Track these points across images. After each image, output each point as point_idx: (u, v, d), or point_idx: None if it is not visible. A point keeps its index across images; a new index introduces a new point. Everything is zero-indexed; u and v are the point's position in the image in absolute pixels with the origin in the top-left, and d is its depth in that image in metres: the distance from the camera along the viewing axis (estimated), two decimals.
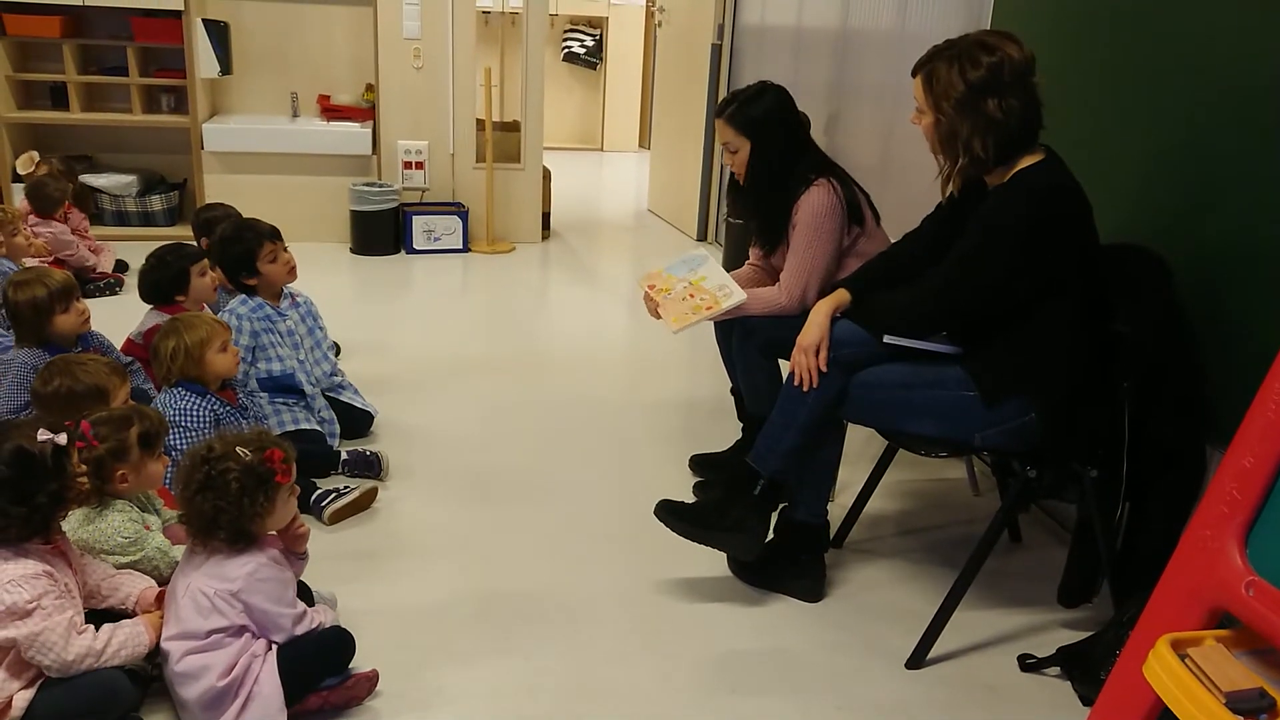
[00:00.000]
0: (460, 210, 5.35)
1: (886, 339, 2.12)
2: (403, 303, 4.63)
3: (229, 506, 1.75)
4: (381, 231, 5.21)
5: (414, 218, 5.26)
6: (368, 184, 5.20)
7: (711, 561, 2.41)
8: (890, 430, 2.27)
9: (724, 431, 3.12)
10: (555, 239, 5.86)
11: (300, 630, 1.82)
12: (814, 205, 2.53)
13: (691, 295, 2.63)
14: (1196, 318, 2.10)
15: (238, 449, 1.80)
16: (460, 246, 5.35)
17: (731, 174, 2.74)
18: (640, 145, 9.38)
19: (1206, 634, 1.46)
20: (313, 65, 5.47)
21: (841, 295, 2.21)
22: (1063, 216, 1.94)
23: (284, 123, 5.37)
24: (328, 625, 1.88)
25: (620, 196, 7.50)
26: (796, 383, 2.16)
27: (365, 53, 5.38)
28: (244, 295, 2.93)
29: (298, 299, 3.06)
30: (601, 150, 9.23)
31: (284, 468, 1.82)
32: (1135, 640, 1.58)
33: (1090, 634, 2.13)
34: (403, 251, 5.29)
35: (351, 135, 5.26)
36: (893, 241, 2.61)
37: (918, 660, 2.12)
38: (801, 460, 2.23)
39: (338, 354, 3.72)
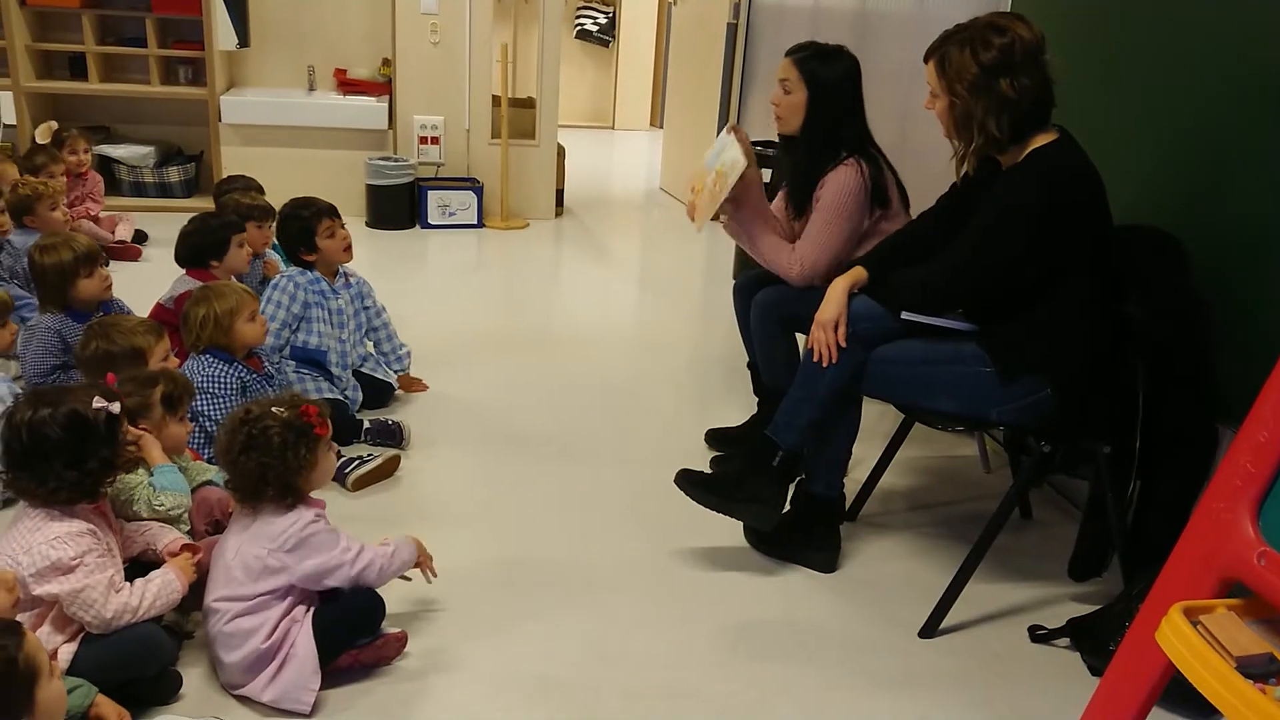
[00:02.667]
0: (475, 186, 5.38)
1: (904, 315, 2.16)
2: (419, 277, 4.67)
3: (274, 461, 1.80)
4: (397, 206, 5.25)
5: (429, 193, 5.29)
6: (383, 158, 5.23)
7: (728, 532, 2.46)
8: (907, 405, 2.31)
9: (739, 404, 3.16)
10: (568, 216, 5.89)
11: (358, 568, 1.84)
12: (839, 184, 2.56)
13: (715, 184, 2.67)
14: (1208, 298, 2.13)
15: (273, 409, 1.85)
16: (475, 222, 5.38)
17: (776, 128, 2.74)
18: (652, 124, 9.39)
19: (1218, 602, 1.50)
20: (329, 39, 5.49)
21: (859, 272, 2.24)
22: (1076, 196, 1.98)
23: (301, 96, 5.40)
24: (394, 550, 1.91)
25: (632, 175, 7.52)
26: (815, 358, 2.20)
27: (382, 27, 5.40)
28: (302, 268, 2.96)
29: (351, 280, 3.09)
30: (613, 128, 9.24)
31: (320, 420, 1.88)
32: (1148, 608, 1.62)
33: (1099, 607, 2.18)
34: (417, 226, 5.33)
35: (368, 109, 5.28)
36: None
37: (930, 630, 2.17)
38: (819, 434, 2.27)
39: None
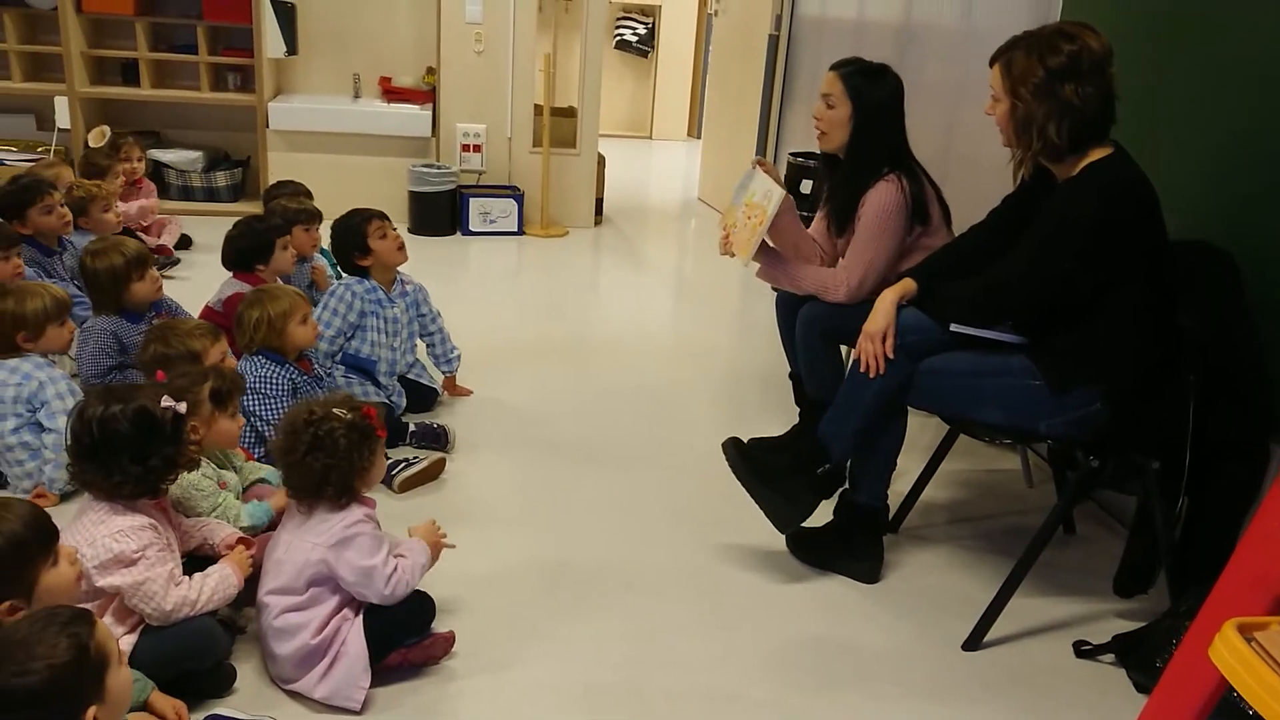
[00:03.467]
0: (516, 194, 5.43)
1: (953, 327, 2.16)
2: (460, 283, 4.71)
3: (339, 462, 1.83)
4: (439, 213, 5.30)
5: (470, 200, 5.34)
6: (426, 165, 5.29)
7: (767, 538, 2.46)
8: (955, 417, 2.31)
9: (777, 414, 3.18)
10: (607, 224, 5.92)
11: (388, 588, 1.86)
12: (881, 201, 2.56)
13: (749, 217, 2.69)
14: (1260, 313, 2.12)
15: (335, 410, 1.88)
16: (515, 229, 5.43)
17: (818, 144, 2.75)
18: (689, 134, 9.42)
19: (1272, 619, 1.49)
20: (375, 47, 5.57)
21: (907, 284, 2.25)
22: (1134, 210, 1.97)
23: (346, 103, 5.48)
24: (415, 572, 1.93)
25: (669, 185, 7.55)
26: (863, 369, 2.21)
27: (426, 36, 5.47)
28: (359, 276, 3.01)
29: (408, 287, 3.14)
30: (650, 138, 9.28)
31: (380, 423, 1.92)
32: (1200, 625, 1.61)
33: (1145, 623, 2.17)
34: (458, 233, 5.38)
35: (412, 117, 5.35)
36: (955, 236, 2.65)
37: (974, 643, 2.17)
38: (864, 444, 2.28)
39: None
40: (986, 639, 2.18)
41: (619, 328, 4.21)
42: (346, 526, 1.86)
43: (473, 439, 2.99)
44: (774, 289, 2.91)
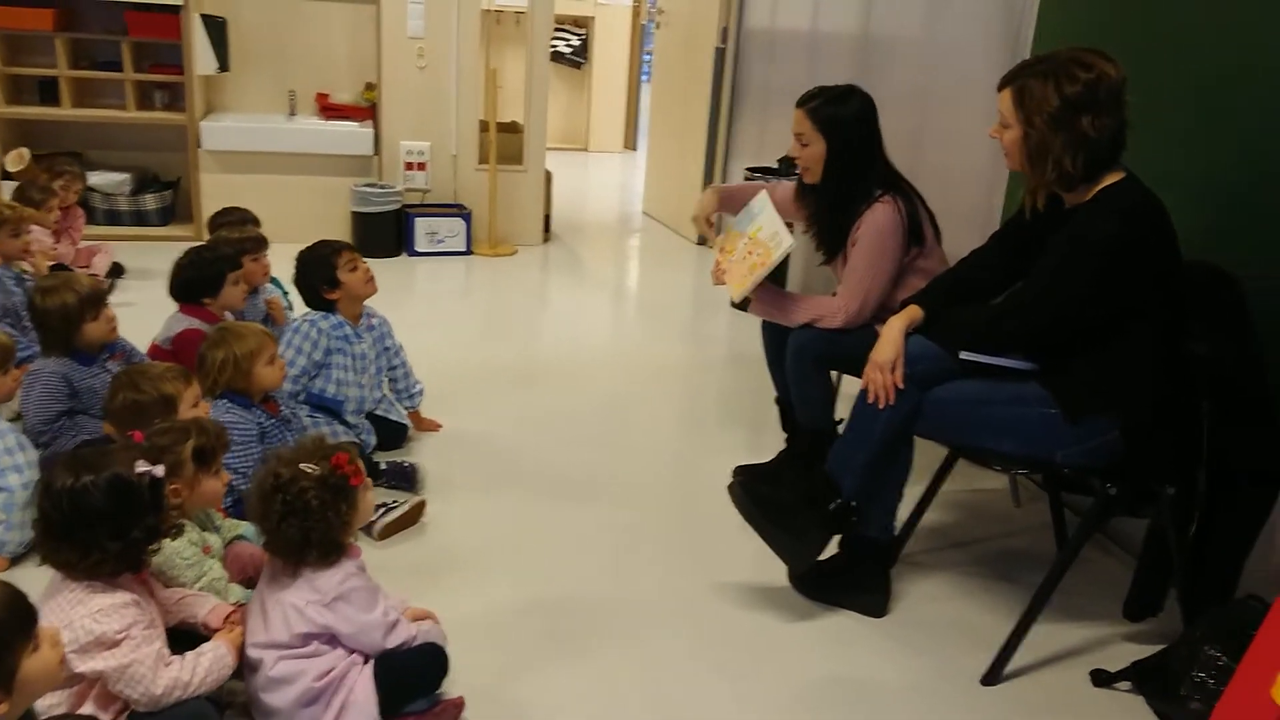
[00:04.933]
0: (463, 212, 5.29)
1: (963, 355, 2.11)
2: (409, 306, 4.55)
3: (317, 524, 1.71)
4: (384, 233, 5.13)
5: (416, 220, 5.18)
6: (369, 185, 5.12)
7: (764, 570, 2.40)
8: (966, 446, 2.26)
9: (749, 432, 3.13)
10: (555, 241, 5.81)
11: (391, 643, 1.77)
12: (877, 223, 2.51)
13: (750, 252, 2.60)
14: (1269, 336, 2.11)
15: (302, 466, 1.75)
16: (463, 249, 5.28)
17: (798, 175, 2.70)
18: (625, 146, 9.35)
19: None
20: (311, 63, 5.37)
21: (914, 311, 2.20)
22: (1151, 234, 1.95)
23: (282, 121, 5.28)
24: (419, 640, 1.83)
25: (610, 198, 7.47)
26: (871, 399, 2.15)
27: (365, 51, 5.30)
28: (325, 312, 2.85)
29: (373, 321, 2.99)
30: (587, 150, 9.18)
31: (354, 469, 1.79)
32: (1252, 662, 1.58)
33: (1161, 648, 2.14)
34: (405, 254, 5.21)
35: (352, 135, 5.17)
36: (948, 257, 2.62)
37: (994, 677, 2.12)
38: (873, 476, 2.22)
39: None
40: (1003, 671, 2.14)
41: (577, 348, 4.11)
42: (340, 584, 1.74)
43: (448, 476, 2.86)
44: (731, 304, 2.86)
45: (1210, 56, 2.37)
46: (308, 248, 2.87)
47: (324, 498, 1.73)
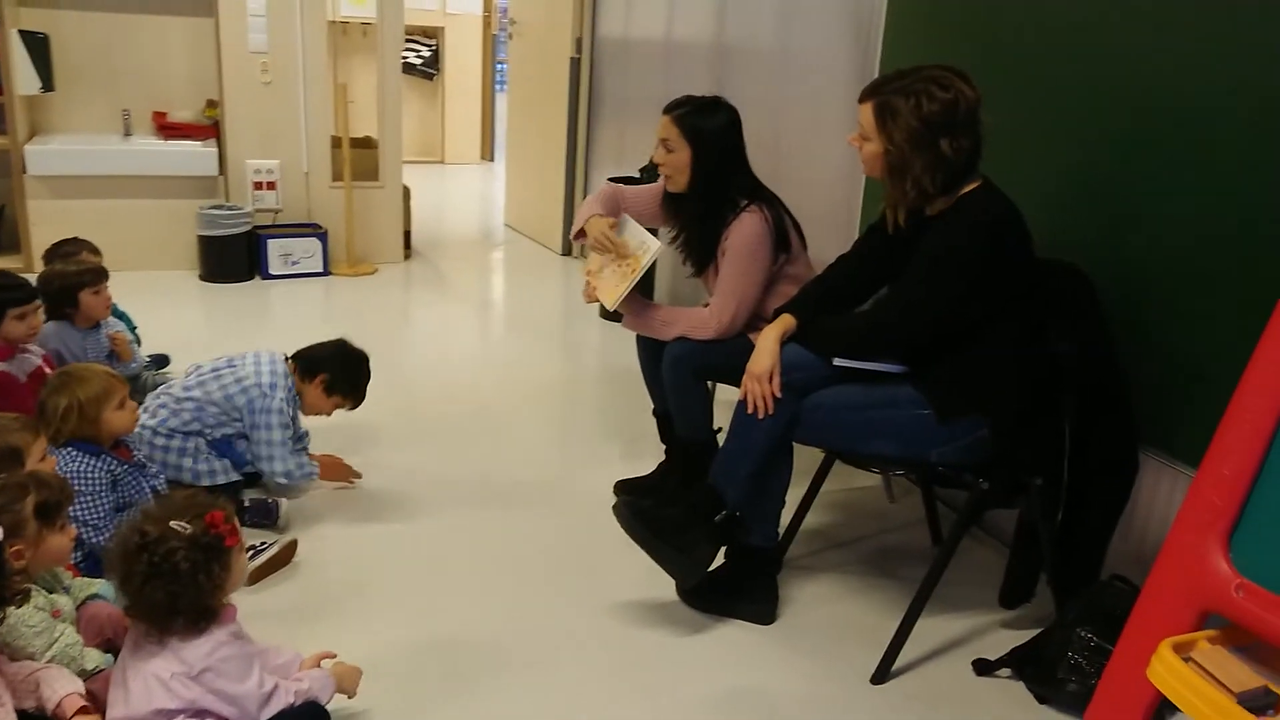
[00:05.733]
0: (319, 232, 5.10)
1: (836, 361, 2.15)
2: (263, 333, 4.35)
3: (186, 589, 1.59)
4: (234, 257, 4.90)
5: (269, 241, 4.97)
6: (215, 207, 4.88)
7: (653, 587, 2.39)
8: (846, 450, 2.30)
9: (619, 438, 3.13)
10: (417, 258, 5.67)
11: (266, 715, 1.67)
12: (745, 233, 2.53)
13: (619, 263, 2.64)
14: (1120, 329, 2.22)
15: (172, 525, 1.63)
16: (320, 270, 5.10)
17: (665, 186, 2.70)
18: (483, 157, 9.23)
19: (1199, 635, 1.55)
20: (146, 80, 5.09)
21: (788, 320, 2.22)
22: (1009, 239, 2.03)
23: (116, 142, 4.98)
24: (304, 698, 1.73)
25: (470, 210, 7.35)
26: (750, 410, 2.16)
27: (205, 66, 5.05)
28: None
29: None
30: (444, 163, 9.02)
31: (229, 529, 1.68)
32: (1127, 644, 1.65)
33: (1036, 633, 2.23)
34: (258, 278, 4.99)
35: (195, 155, 4.92)
36: (813, 263, 2.66)
37: (882, 675, 2.16)
38: (756, 485, 2.23)
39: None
40: (891, 668, 2.18)
41: (446, 367, 4.02)
42: (208, 655, 1.63)
43: (315, 511, 2.74)
44: (600, 314, 2.87)
45: (1053, 61, 2.47)
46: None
47: (195, 559, 1.61)
